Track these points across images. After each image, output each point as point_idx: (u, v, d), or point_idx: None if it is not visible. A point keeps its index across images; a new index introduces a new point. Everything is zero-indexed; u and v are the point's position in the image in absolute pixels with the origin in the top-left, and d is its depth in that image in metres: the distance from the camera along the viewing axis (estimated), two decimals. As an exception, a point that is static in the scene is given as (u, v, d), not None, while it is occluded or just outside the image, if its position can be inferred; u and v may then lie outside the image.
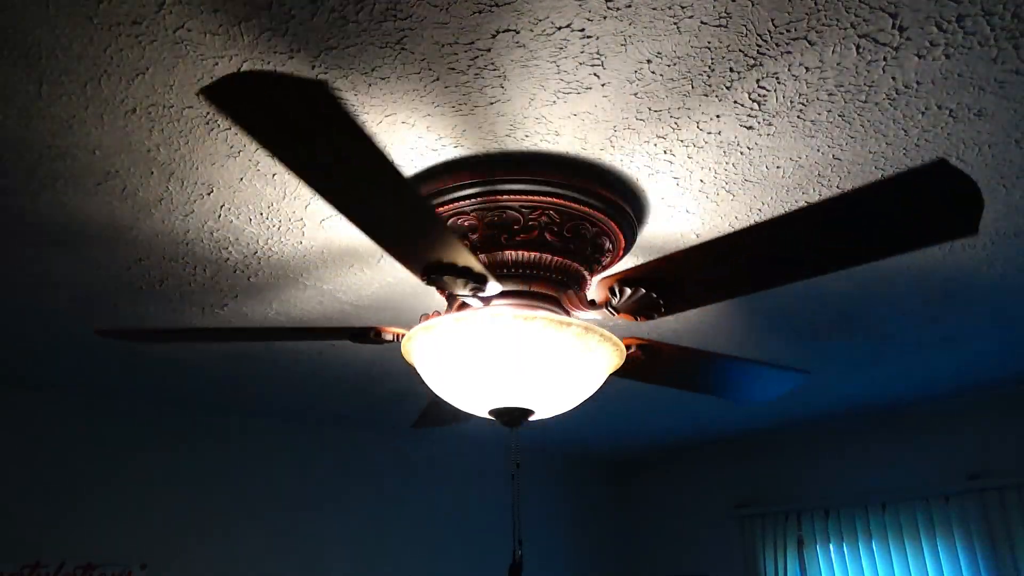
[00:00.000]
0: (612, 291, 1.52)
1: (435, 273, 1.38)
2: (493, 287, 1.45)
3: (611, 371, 1.67)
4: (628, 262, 2.07)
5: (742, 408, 3.83)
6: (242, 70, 1.33)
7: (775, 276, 1.40)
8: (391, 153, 1.58)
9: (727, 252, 1.33)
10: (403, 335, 1.72)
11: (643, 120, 1.48)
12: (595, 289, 1.55)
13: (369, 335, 1.78)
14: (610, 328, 2.51)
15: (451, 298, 1.71)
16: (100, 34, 1.24)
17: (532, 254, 1.65)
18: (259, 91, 0.95)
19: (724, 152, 1.59)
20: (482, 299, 1.52)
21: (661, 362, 1.83)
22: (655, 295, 1.49)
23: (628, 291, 1.50)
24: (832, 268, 1.33)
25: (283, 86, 0.97)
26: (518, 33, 1.25)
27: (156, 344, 2.56)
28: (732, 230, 1.84)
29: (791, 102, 1.43)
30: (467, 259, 1.35)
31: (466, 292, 1.44)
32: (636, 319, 1.57)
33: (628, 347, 1.73)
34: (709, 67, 1.34)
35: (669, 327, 2.57)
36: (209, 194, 1.73)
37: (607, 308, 1.58)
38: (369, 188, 1.16)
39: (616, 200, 1.68)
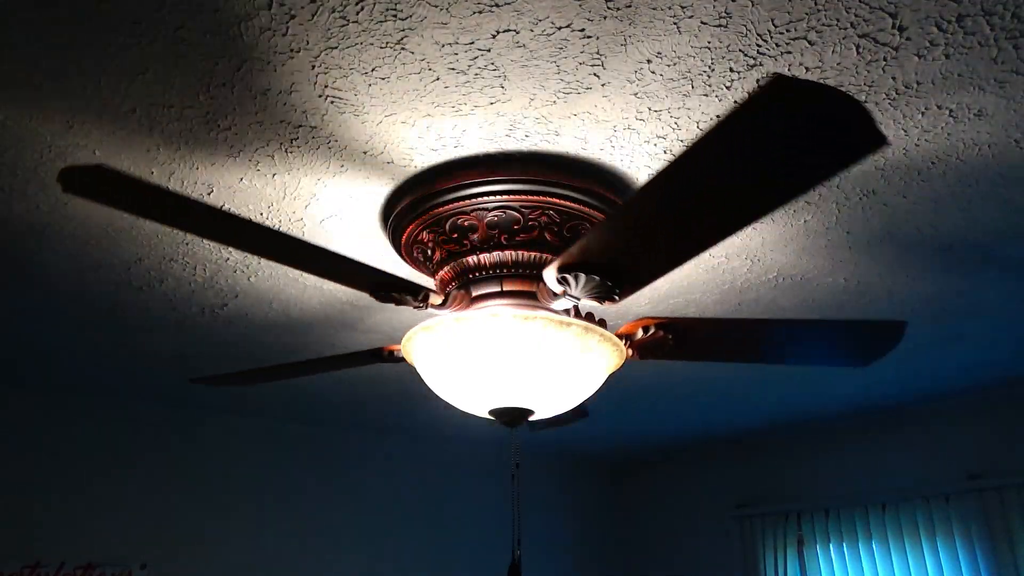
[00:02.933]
0: (560, 281, 1.46)
1: (382, 293, 1.56)
2: (435, 298, 1.61)
3: (612, 370, 1.67)
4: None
5: (742, 407, 3.83)
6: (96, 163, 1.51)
7: (691, 237, 1.30)
8: (392, 153, 1.58)
9: (629, 221, 1.27)
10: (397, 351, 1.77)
11: (643, 120, 1.48)
12: (551, 280, 1.50)
13: (383, 355, 1.84)
14: (639, 308, 2.51)
15: (449, 296, 1.71)
16: (100, 34, 1.24)
17: (532, 254, 1.65)
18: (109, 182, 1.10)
19: (724, 152, 1.59)
20: (438, 307, 1.65)
21: (695, 339, 1.74)
22: (598, 277, 1.42)
23: (572, 279, 1.44)
24: (746, 213, 1.23)
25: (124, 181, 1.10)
26: (518, 33, 1.25)
27: (244, 386, 2.80)
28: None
29: (791, 102, 1.43)
30: (397, 280, 1.51)
31: (419, 304, 1.60)
32: (603, 303, 1.51)
33: (648, 329, 1.68)
34: (709, 67, 1.34)
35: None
36: (209, 194, 1.73)
37: (567, 297, 1.51)
38: (266, 247, 1.38)
39: (616, 200, 1.68)
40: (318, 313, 2.44)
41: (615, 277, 1.42)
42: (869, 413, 3.97)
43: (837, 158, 1.06)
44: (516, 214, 1.62)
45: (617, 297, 1.48)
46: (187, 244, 1.97)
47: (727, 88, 1.39)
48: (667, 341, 1.72)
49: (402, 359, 1.81)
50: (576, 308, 1.68)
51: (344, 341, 2.72)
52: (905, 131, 1.53)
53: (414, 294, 1.58)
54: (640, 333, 1.70)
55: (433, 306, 1.64)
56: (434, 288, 1.77)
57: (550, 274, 1.46)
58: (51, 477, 3.23)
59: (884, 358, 1.85)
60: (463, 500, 4.48)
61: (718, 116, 1.47)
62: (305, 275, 2.15)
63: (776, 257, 2.08)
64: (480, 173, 1.60)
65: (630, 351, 1.70)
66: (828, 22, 1.23)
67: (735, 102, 1.43)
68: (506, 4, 1.19)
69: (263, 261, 2.06)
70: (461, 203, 1.63)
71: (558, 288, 1.49)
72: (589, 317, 1.66)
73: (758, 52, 1.30)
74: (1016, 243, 2.03)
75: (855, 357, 1.83)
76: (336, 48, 1.28)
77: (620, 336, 1.67)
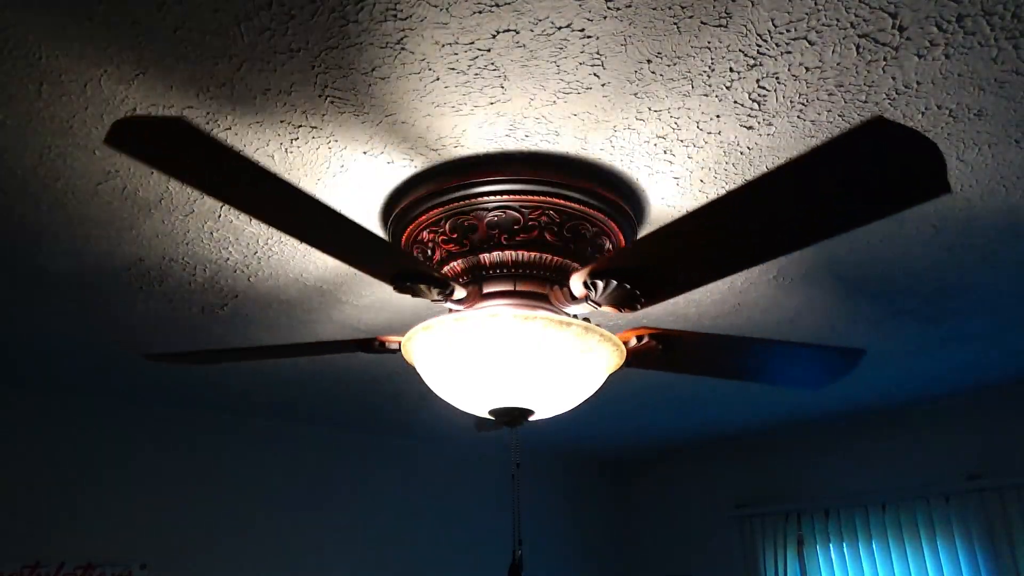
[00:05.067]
0: (586, 285, 1.48)
1: (402, 283, 1.47)
2: (460, 292, 1.54)
3: (611, 371, 1.67)
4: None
5: (742, 407, 3.83)
6: (138, 113, 1.42)
7: (742, 256, 1.34)
8: (391, 153, 1.58)
9: (686, 234, 1.28)
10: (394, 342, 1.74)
11: (643, 120, 1.48)
12: (576, 284, 1.53)
13: (373, 345, 1.78)
14: (628, 319, 2.51)
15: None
16: (100, 34, 1.24)
17: (532, 254, 1.65)
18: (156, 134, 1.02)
19: (724, 152, 1.59)
20: (457, 303, 1.61)
21: (682, 351, 1.78)
22: (628, 286, 1.44)
23: (601, 284, 1.46)
24: (810, 237, 1.27)
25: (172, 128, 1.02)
26: (518, 33, 1.25)
27: (205, 364, 2.59)
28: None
29: (791, 102, 1.43)
30: (426, 269, 1.44)
31: (438, 298, 1.53)
32: (621, 311, 1.53)
33: (641, 338, 1.71)
34: (709, 67, 1.34)
35: (693, 311, 2.57)
36: (209, 194, 1.73)
37: (587, 302, 1.54)
38: (302, 220, 1.27)
39: (616, 200, 1.68)
40: (318, 312, 2.44)
41: (644, 286, 1.44)
42: (869, 413, 3.97)
43: (904, 201, 1.14)
44: (516, 214, 1.62)
45: (639, 306, 1.50)
46: (187, 244, 1.97)
47: (727, 88, 1.39)
48: (656, 351, 1.74)
49: (392, 351, 1.79)
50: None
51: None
52: (905, 131, 1.53)
53: (442, 287, 1.49)
54: (634, 341, 1.71)
55: (453, 301, 1.58)
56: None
57: (579, 278, 1.48)
58: (51, 477, 3.23)
59: (842, 378, 1.99)
60: (463, 500, 4.48)
61: (718, 116, 1.47)
62: (305, 275, 2.15)
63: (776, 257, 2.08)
64: (480, 173, 1.60)
65: (614, 308, 1.68)
66: (828, 22, 1.23)
67: (735, 102, 1.43)
68: (506, 4, 1.19)
69: (263, 261, 2.06)
70: (461, 203, 1.63)
71: (580, 292, 1.51)
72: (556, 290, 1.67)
73: (758, 52, 1.30)
74: (1016, 243, 2.03)
75: (816, 378, 1.99)
76: (336, 48, 1.28)
77: (581, 300, 1.66)
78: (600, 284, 1.45)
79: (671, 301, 2.37)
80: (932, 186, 1.05)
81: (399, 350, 1.76)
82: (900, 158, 1.02)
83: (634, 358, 1.77)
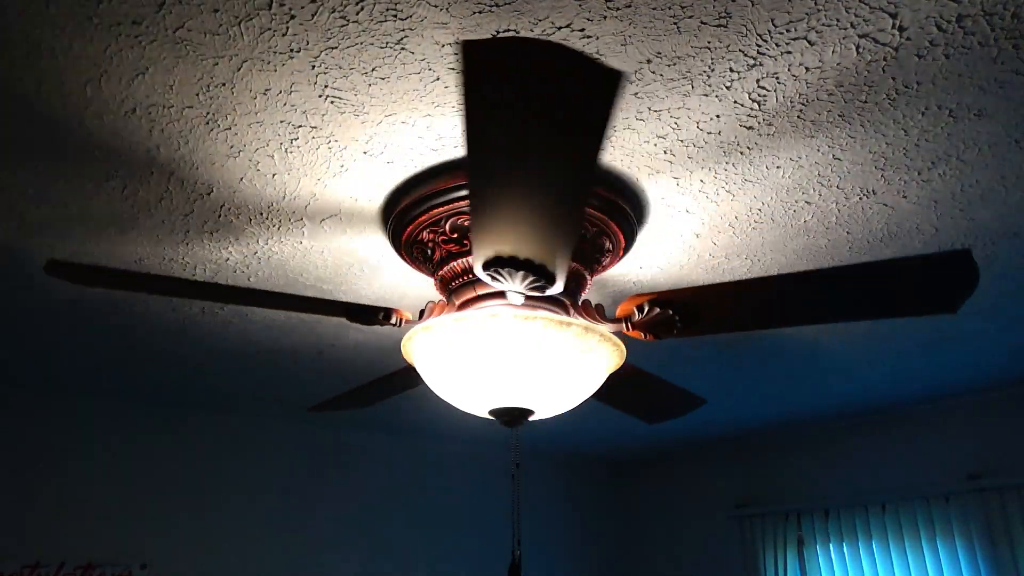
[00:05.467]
0: (640, 308, 1.57)
1: (354, 316, 1.65)
2: (394, 317, 1.68)
3: (612, 371, 1.67)
4: (627, 265, 2.08)
5: (742, 407, 3.83)
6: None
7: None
8: (392, 153, 1.58)
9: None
10: (407, 320, 1.72)
11: (643, 120, 1.48)
12: (619, 303, 1.65)
13: (377, 315, 1.66)
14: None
15: (450, 296, 1.71)
16: (100, 34, 1.24)
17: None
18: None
19: (724, 152, 1.59)
20: (405, 323, 1.70)
21: (702, 312, 1.60)
22: (678, 317, 1.57)
23: (657, 310, 1.56)
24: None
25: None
26: (518, 33, 1.25)
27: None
28: (738, 257, 1.85)
29: (791, 102, 1.43)
30: (364, 307, 1.60)
31: (390, 323, 1.67)
32: (645, 336, 1.63)
33: (642, 308, 1.60)
34: (709, 67, 1.34)
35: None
36: (209, 194, 1.73)
37: (624, 323, 1.63)
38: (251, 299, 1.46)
39: (616, 200, 1.68)
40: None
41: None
42: (869, 413, 3.97)
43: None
44: (516, 214, 1.61)
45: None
46: (187, 244, 1.97)
47: (727, 88, 1.39)
48: (671, 319, 1.60)
49: (392, 324, 1.71)
50: (573, 301, 1.69)
51: (345, 340, 2.72)
52: (905, 131, 1.53)
53: (384, 315, 1.67)
54: (636, 313, 1.63)
55: (407, 321, 1.71)
56: (435, 285, 1.77)
57: (633, 301, 1.59)
58: (51, 477, 3.23)
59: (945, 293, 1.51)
60: (463, 500, 4.48)
61: (718, 116, 1.47)
62: (305, 275, 2.15)
63: (776, 257, 2.08)
64: (480, 173, 1.60)
65: (640, 334, 1.66)
66: (828, 22, 1.23)
67: (735, 102, 1.43)
68: (506, 4, 1.19)
69: (263, 261, 2.06)
70: (461, 203, 1.63)
71: (623, 310, 1.62)
72: (586, 304, 1.67)
73: (758, 52, 1.30)
74: (1016, 242, 2.03)
75: (935, 300, 1.50)
76: (336, 48, 1.28)
77: (619, 320, 1.66)
78: (656, 310, 1.58)
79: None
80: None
81: (397, 326, 1.73)
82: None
83: (652, 329, 1.63)
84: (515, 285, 1.38)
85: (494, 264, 1.33)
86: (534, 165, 1.10)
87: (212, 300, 1.65)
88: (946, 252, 1.31)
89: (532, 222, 1.21)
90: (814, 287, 1.48)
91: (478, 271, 1.36)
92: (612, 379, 1.85)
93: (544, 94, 0.96)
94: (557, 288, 1.40)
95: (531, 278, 1.35)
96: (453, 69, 1.33)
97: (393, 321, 1.70)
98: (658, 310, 1.55)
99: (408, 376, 1.95)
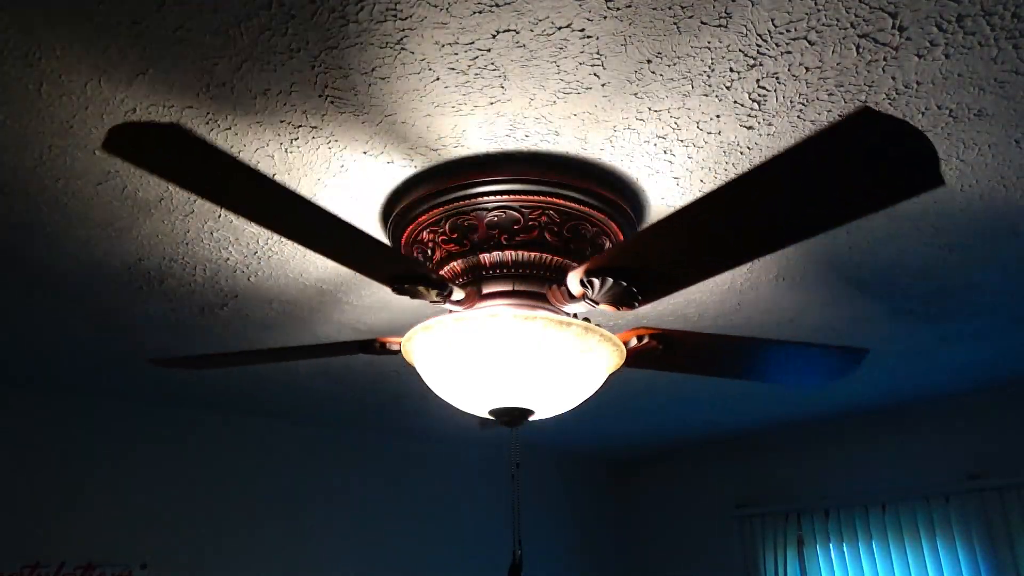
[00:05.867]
0: (583, 283, 1.47)
1: (400, 285, 1.48)
2: (458, 293, 1.55)
3: (611, 371, 1.67)
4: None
5: (742, 407, 3.83)
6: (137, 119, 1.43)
7: (736, 251, 1.32)
8: (392, 153, 1.58)
9: (681, 229, 1.26)
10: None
11: (643, 120, 1.48)
12: (573, 282, 1.52)
13: (374, 346, 1.78)
14: (628, 319, 2.51)
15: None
16: (100, 34, 1.24)
17: (532, 254, 1.65)
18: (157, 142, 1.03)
19: (724, 152, 1.59)
20: (456, 303, 1.61)
21: (683, 351, 1.78)
22: (625, 283, 1.43)
23: (597, 282, 1.44)
24: (803, 232, 1.24)
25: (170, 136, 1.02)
26: (518, 33, 1.25)
27: (208, 369, 2.52)
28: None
29: (791, 102, 1.43)
30: (424, 271, 1.45)
31: (436, 299, 1.54)
32: (619, 309, 1.52)
33: (641, 338, 1.70)
34: (709, 67, 1.34)
35: (692, 310, 2.57)
36: (209, 194, 1.73)
37: (585, 300, 1.54)
38: (299, 223, 1.28)
39: (616, 200, 1.68)
40: (318, 313, 2.44)
41: (641, 284, 1.42)
42: (869, 413, 3.97)
43: (896, 193, 1.09)
44: (516, 214, 1.62)
45: (637, 304, 1.48)
46: (187, 244, 1.97)
47: (727, 88, 1.39)
48: (656, 351, 1.73)
49: (393, 352, 1.79)
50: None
51: (344, 340, 2.72)
52: (905, 131, 1.53)
53: (440, 288, 1.49)
54: (634, 341, 1.71)
55: (452, 301, 1.58)
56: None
57: (575, 276, 1.46)
58: (51, 477, 3.23)
59: (845, 378, 2.01)
60: (463, 500, 4.48)
61: (718, 116, 1.47)
62: (305, 275, 2.15)
63: (775, 257, 2.08)
64: (480, 173, 1.60)
65: (612, 307, 1.66)
66: (828, 22, 1.23)
67: (735, 102, 1.43)
68: (506, 4, 1.19)
69: (263, 261, 2.06)
70: (461, 203, 1.63)
71: (578, 290, 1.50)
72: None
73: (758, 52, 1.30)
74: (1016, 242, 2.03)
75: (818, 377, 2.00)
76: (336, 48, 1.28)
77: (581, 300, 1.65)
78: (597, 282, 1.44)
79: (670, 300, 2.37)
80: (925, 178, 1.03)
81: (399, 351, 1.76)
82: (891, 150, 1.01)
83: (635, 358, 1.76)
84: (597, 294, 1.45)
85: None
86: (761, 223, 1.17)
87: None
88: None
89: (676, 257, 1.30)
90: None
91: (574, 279, 1.45)
92: (753, 355, 1.86)
93: (876, 174, 1.02)
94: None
95: (620, 288, 1.42)
96: (453, 69, 1.34)
97: (395, 348, 1.78)
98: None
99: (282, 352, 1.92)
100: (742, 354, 1.85)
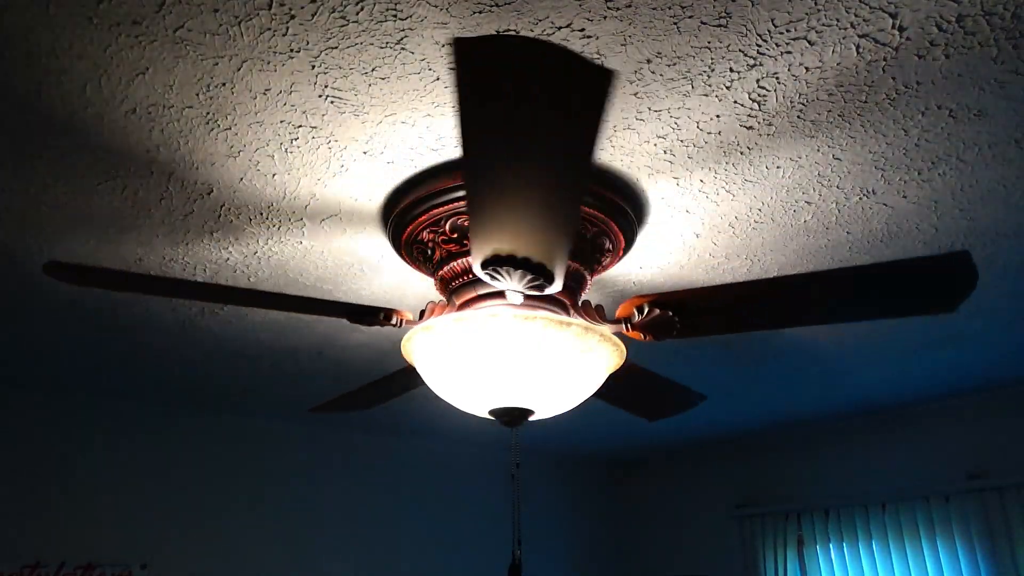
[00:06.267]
0: (640, 309, 1.57)
1: (355, 317, 1.63)
2: (395, 318, 1.66)
3: (612, 371, 1.67)
4: (627, 266, 2.08)
5: (742, 407, 3.83)
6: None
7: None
8: (392, 153, 1.58)
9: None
10: (408, 320, 1.71)
11: (643, 120, 1.48)
12: (619, 303, 1.64)
13: (378, 316, 1.65)
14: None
15: (450, 296, 1.71)
16: (100, 34, 1.24)
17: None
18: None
19: (724, 152, 1.59)
20: (408, 323, 1.68)
21: (699, 311, 1.61)
22: (676, 318, 1.58)
23: (656, 311, 1.56)
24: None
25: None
26: (518, 33, 1.25)
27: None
28: (743, 268, 1.85)
29: (791, 102, 1.43)
30: (365, 308, 1.59)
31: (392, 324, 1.66)
32: (644, 337, 1.63)
33: (642, 308, 1.61)
34: (709, 67, 1.34)
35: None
36: (209, 194, 1.73)
37: (624, 324, 1.62)
38: (250, 300, 1.42)
39: (616, 200, 1.68)
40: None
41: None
42: (869, 413, 3.97)
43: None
44: (516, 214, 1.61)
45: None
46: (187, 244, 1.97)
47: (727, 88, 1.39)
48: (671, 321, 1.62)
49: (392, 325, 1.71)
50: (573, 301, 1.69)
51: (345, 340, 2.72)
52: (905, 131, 1.53)
53: (385, 315, 1.66)
54: (636, 314, 1.63)
55: (408, 322, 1.70)
56: (435, 286, 1.77)
57: (632, 305, 1.60)
58: (51, 477, 3.23)
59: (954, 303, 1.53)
60: (463, 500, 4.48)
61: (718, 116, 1.47)
62: (305, 275, 2.15)
63: (776, 257, 2.08)
64: (480, 173, 1.60)
65: (640, 335, 1.66)
66: (828, 22, 1.23)
67: (735, 102, 1.43)
68: (506, 4, 1.19)
69: (263, 261, 2.06)
70: (461, 203, 1.63)
71: (623, 311, 1.63)
72: (586, 304, 1.67)
73: (758, 52, 1.30)
74: (1016, 242, 2.03)
75: (934, 301, 1.54)
76: (336, 48, 1.28)
77: (619, 320, 1.66)
78: (656, 311, 1.58)
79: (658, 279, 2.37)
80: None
81: (398, 326, 1.72)
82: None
83: (652, 330, 1.64)
84: (514, 284, 1.38)
85: (493, 263, 1.33)
86: (529, 164, 1.10)
87: (212, 301, 1.65)
88: (946, 253, 1.37)
89: (529, 221, 1.21)
90: (814, 288, 1.49)
91: (477, 270, 1.36)
92: (612, 377, 1.85)
93: (537, 93, 0.96)
94: (556, 287, 1.40)
95: (530, 276, 1.35)
96: (453, 69, 1.33)
97: (394, 322, 1.69)
98: (658, 311, 1.56)
99: (409, 376, 1.95)
100: (773, 297, 1.56)
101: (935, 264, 1.42)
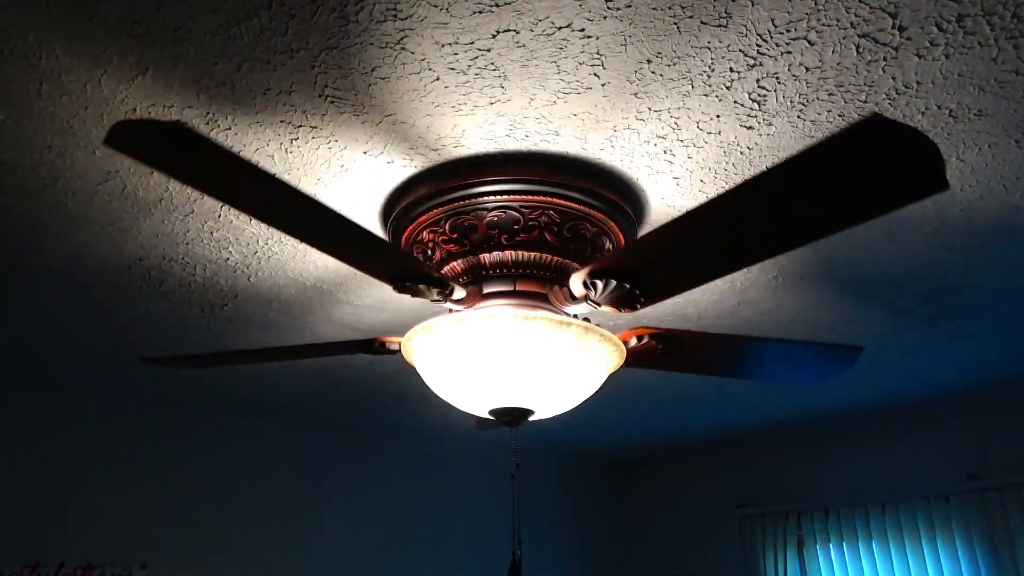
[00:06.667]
0: (586, 285, 1.48)
1: (401, 283, 1.48)
2: (459, 292, 1.54)
3: (611, 371, 1.67)
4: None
5: (742, 407, 3.83)
6: (138, 117, 1.41)
7: (743, 254, 1.34)
8: (391, 153, 1.59)
9: (685, 232, 1.27)
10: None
11: (643, 120, 1.48)
12: (575, 284, 1.53)
13: (374, 346, 1.78)
14: (628, 319, 2.51)
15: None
16: (100, 34, 1.24)
17: (532, 254, 1.65)
18: (158, 137, 1.03)
19: (724, 152, 1.59)
20: (457, 302, 1.60)
21: (683, 351, 1.80)
22: (628, 285, 1.44)
23: (600, 284, 1.46)
24: (808, 236, 1.25)
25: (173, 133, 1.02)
26: (518, 33, 1.25)
27: (203, 368, 2.65)
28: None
29: (791, 102, 1.43)
30: (426, 269, 1.44)
31: (437, 298, 1.53)
32: (621, 311, 1.53)
33: (641, 338, 1.71)
34: (709, 67, 1.34)
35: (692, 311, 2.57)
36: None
37: (587, 302, 1.55)
38: (301, 220, 1.27)
39: (616, 200, 1.68)
40: (318, 312, 2.44)
41: (644, 286, 1.44)
42: (869, 413, 3.97)
43: (902, 198, 1.11)
44: (516, 214, 1.62)
45: (639, 306, 1.49)
46: (187, 244, 1.97)
47: (727, 88, 1.39)
48: (656, 351, 1.74)
49: (393, 351, 1.79)
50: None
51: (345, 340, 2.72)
52: (905, 131, 1.53)
53: (441, 287, 1.49)
54: (633, 341, 1.71)
55: (452, 300, 1.58)
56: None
57: (578, 278, 1.47)
58: (50, 477, 3.23)
59: (841, 376, 2.03)
60: (463, 500, 4.48)
61: (718, 116, 1.47)
62: (305, 275, 2.15)
63: (776, 257, 2.08)
64: (480, 173, 1.60)
65: (613, 309, 1.67)
66: (828, 22, 1.23)
67: (735, 102, 1.43)
68: (506, 4, 1.19)
69: (263, 261, 2.06)
70: (461, 203, 1.63)
71: (580, 291, 1.51)
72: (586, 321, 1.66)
73: (758, 52, 1.30)
74: (1016, 242, 2.03)
75: (815, 376, 2.00)
76: (336, 48, 1.28)
77: (582, 300, 1.65)
78: (600, 284, 1.45)
79: (671, 301, 2.37)
80: (930, 183, 1.04)
81: (399, 351, 1.76)
82: (898, 155, 1.01)
83: (634, 358, 1.77)
84: (599, 295, 1.46)
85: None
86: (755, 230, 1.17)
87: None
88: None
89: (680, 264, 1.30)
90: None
91: (577, 280, 1.46)
92: (740, 353, 1.87)
93: (866, 181, 1.02)
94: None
95: (622, 290, 1.42)
96: (453, 69, 1.33)
97: (394, 348, 1.78)
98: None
99: (252, 355, 1.91)
100: (740, 353, 1.86)
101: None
